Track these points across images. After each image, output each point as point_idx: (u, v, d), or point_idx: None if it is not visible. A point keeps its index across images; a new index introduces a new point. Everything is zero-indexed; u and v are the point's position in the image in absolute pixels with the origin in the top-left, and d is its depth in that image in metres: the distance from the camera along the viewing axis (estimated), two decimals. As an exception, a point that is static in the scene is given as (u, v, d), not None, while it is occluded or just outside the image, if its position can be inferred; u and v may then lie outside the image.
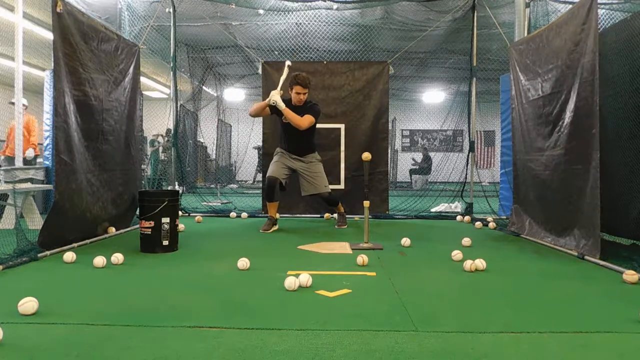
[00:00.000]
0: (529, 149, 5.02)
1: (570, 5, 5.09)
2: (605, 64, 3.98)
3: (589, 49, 3.88)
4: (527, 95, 5.04)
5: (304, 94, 5.23)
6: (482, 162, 17.60)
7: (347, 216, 6.62)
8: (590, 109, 3.86)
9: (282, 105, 5.09)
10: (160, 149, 12.81)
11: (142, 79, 6.07)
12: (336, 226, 5.83)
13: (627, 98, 4.05)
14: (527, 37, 5.45)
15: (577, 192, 4.09)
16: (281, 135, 5.59)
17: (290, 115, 5.14)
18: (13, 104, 7.10)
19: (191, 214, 6.73)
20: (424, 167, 14.31)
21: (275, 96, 5.10)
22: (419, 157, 15.63)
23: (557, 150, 4.41)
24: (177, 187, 7.03)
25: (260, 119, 6.84)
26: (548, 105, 4.58)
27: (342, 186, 6.71)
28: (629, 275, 3.16)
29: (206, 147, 14.27)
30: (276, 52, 8.49)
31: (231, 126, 15.29)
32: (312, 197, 6.85)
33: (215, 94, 13.60)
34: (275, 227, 5.55)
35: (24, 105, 7.17)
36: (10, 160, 6.60)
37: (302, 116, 5.18)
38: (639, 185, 3.90)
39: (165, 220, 4.03)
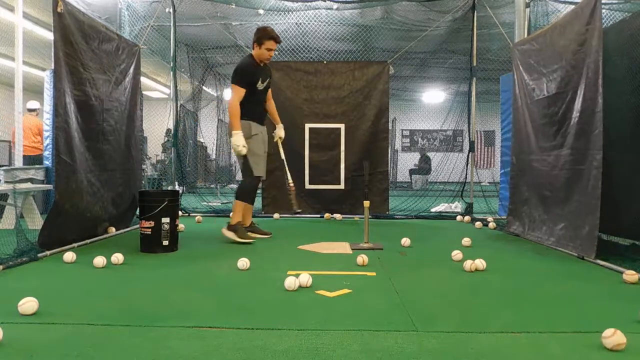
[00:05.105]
0: (533, 149, 4.99)
1: (572, 6, 5.12)
2: (606, 63, 3.99)
3: (594, 49, 3.88)
4: (531, 95, 5.02)
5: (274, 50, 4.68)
6: (482, 162, 17.61)
7: (347, 216, 6.64)
8: (594, 110, 3.86)
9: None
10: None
11: (142, 79, 6.07)
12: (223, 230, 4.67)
13: (628, 97, 4.05)
14: (529, 37, 5.43)
15: (578, 191, 4.09)
16: (252, 105, 4.66)
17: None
18: (31, 110, 7.20)
19: (191, 214, 6.73)
20: (424, 168, 14.30)
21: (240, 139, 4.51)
22: (416, 157, 15.62)
23: (564, 150, 4.39)
24: (177, 187, 7.04)
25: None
26: (553, 106, 4.57)
27: (342, 186, 6.71)
28: (629, 275, 3.16)
29: (206, 147, 14.26)
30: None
31: (231, 126, 15.26)
32: (312, 197, 6.88)
33: (215, 94, 13.59)
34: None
35: (35, 109, 7.26)
36: (29, 158, 6.62)
37: (270, 78, 4.90)
38: (638, 184, 3.90)
39: (165, 220, 4.03)
